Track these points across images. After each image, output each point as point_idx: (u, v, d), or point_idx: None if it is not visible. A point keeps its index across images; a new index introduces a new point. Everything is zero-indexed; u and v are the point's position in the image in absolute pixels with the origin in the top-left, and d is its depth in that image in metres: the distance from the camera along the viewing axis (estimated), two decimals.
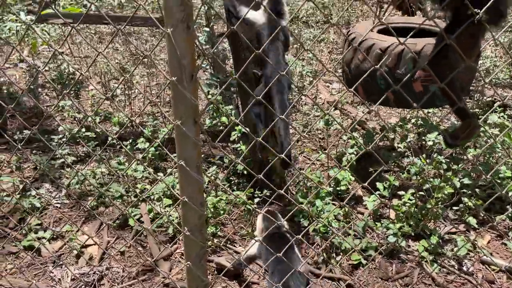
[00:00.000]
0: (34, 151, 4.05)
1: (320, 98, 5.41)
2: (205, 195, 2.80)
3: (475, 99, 4.77)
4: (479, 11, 1.50)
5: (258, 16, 2.82)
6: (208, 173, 3.32)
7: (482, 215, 3.08)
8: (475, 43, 2.14)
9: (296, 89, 5.58)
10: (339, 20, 7.54)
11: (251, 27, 2.82)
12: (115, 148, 4.04)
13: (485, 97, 4.77)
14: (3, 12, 7.55)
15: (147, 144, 3.69)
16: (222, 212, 3.03)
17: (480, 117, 4.01)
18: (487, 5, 1.53)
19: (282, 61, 2.72)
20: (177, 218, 3.01)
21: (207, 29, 4.31)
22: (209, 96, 3.87)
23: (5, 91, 5.11)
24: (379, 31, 3.56)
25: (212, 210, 2.99)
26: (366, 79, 3.41)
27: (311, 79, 5.63)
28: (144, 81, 5.61)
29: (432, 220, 3.00)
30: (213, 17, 4.39)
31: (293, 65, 5.50)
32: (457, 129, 2.43)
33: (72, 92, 4.84)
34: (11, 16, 7.42)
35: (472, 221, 3.01)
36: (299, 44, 6.23)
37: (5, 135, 2.87)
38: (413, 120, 3.89)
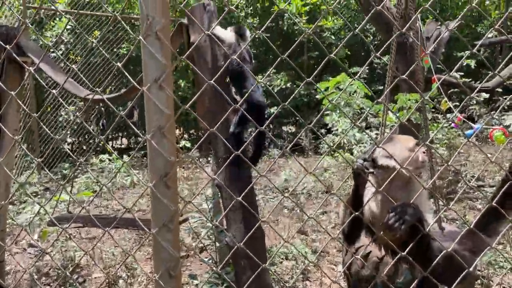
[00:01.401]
0: None
1: (326, 284, 5.31)
2: None
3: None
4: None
5: (228, 35, 3.13)
6: None
7: None
8: None
9: (301, 274, 5.56)
10: (339, 191, 7.85)
11: (222, 43, 3.08)
12: None
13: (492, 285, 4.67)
14: (21, 195, 8.03)
15: None
16: None
17: None
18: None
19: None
20: None
21: (210, 224, 4.50)
22: None
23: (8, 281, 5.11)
24: None
25: None
26: (366, 285, 3.41)
27: (317, 260, 5.60)
28: (148, 266, 5.61)
29: None
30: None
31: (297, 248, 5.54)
32: None
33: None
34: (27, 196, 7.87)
35: None
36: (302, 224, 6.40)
37: None
38: None
